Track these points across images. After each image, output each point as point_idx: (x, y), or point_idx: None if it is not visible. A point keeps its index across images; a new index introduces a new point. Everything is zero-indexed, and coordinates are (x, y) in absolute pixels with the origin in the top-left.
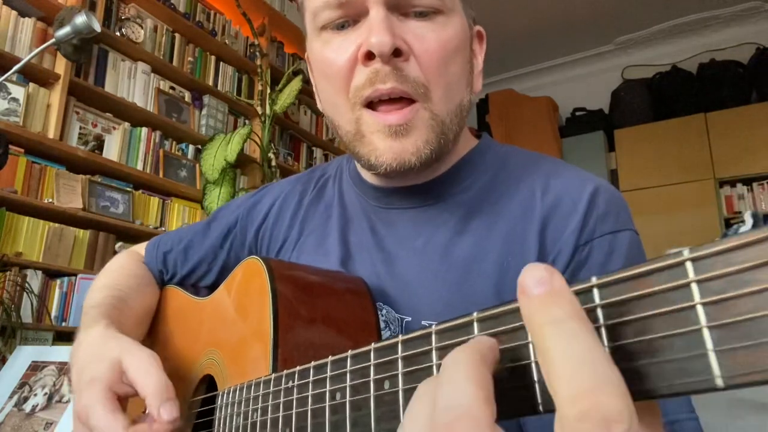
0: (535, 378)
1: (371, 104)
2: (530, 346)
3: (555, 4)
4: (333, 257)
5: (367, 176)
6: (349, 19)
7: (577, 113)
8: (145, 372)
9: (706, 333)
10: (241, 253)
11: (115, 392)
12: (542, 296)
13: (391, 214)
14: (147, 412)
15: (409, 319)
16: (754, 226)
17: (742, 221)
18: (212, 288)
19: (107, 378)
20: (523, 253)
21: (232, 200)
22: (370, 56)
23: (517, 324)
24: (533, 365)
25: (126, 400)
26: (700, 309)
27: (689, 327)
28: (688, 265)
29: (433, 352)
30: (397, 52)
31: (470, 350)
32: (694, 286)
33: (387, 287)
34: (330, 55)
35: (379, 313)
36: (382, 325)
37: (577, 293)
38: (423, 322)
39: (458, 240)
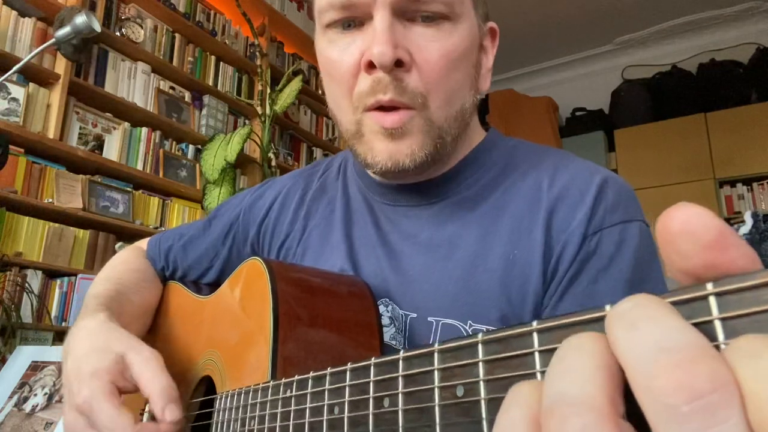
0: None
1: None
2: (538, 375)
3: (555, 4)
4: (339, 253)
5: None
6: (354, 20)
7: (577, 113)
8: (150, 370)
9: None
10: (243, 249)
11: (117, 386)
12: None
13: (397, 210)
14: (146, 410)
15: (414, 315)
16: (754, 226)
17: (742, 221)
18: (215, 285)
19: (111, 371)
20: (530, 245)
21: (234, 196)
22: (372, 65)
23: (526, 350)
24: None
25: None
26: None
27: None
28: (712, 300)
29: (435, 372)
30: (398, 63)
31: (598, 336)
32: (718, 324)
33: (391, 283)
34: (334, 56)
35: (385, 309)
36: (387, 321)
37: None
38: (429, 318)
39: (463, 235)
